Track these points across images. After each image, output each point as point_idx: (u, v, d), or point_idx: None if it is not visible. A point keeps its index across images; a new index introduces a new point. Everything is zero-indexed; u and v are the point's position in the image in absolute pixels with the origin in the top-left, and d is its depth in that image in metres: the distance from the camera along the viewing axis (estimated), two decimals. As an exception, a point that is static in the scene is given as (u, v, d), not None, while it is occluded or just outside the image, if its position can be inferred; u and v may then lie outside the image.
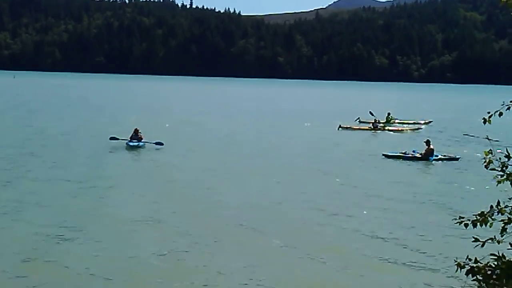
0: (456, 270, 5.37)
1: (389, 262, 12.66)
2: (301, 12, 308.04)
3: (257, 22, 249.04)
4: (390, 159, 27.98)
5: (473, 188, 21.07)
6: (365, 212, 17.07)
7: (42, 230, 14.59)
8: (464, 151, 30.65)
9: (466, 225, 5.54)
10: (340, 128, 42.44)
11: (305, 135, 39.76)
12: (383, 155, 28.66)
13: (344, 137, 38.26)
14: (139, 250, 13.45)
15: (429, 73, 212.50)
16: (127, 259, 12.82)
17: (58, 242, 13.86)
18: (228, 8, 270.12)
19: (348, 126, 43.24)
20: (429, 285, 11.01)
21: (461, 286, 4.98)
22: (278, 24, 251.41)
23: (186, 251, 13.33)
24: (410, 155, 28.08)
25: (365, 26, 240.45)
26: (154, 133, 31.69)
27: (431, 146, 27.95)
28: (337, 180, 22.55)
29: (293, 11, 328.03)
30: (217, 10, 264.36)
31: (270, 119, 50.19)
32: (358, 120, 46.14)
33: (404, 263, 12.48)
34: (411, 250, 13.51)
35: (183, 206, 17.59)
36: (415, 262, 12.51)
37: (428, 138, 29.42)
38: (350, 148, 32.05)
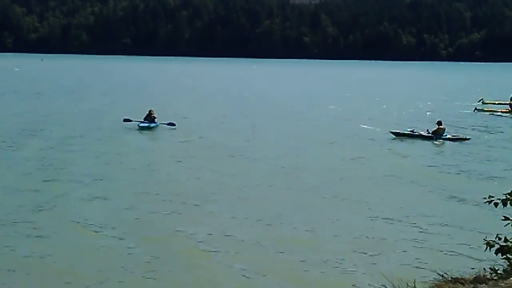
0: (485, 249, 5.26)
1: (417, 243, 12.41)
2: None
3: (282, 2, 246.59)
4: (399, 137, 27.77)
5: (489, 166, 20.91)
6: (388, 192, 16.91)
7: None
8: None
9: (496, 204, 5.52)
10: (476, 111, 41.43)
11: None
12: (391, 132, 28.43)
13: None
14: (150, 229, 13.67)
15: (457, 52, 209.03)
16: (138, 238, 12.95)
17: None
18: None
19: (487, 109, 41.70)
20: (458, 265, 10.97)
21: (490, 266, 5.02)
22: (304, 4, 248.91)
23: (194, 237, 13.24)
24: (418, 133, 27.98)
25: (392, 5, 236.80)
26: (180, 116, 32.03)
27: (442, 126, 27.88)
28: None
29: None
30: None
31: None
32: (481, 101, 44.77)
33: (432, 244, 12.25)
34: (438, 230, 13.25)
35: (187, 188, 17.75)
36: (443, 243, 12.25)
37: (439, 119, 29.17)
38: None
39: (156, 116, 30.49)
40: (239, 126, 32.85)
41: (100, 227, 13.51)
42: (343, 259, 11.34)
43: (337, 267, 10.92)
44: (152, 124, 29.99)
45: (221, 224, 13.67)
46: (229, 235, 12.89)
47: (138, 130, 29.33)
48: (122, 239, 12.71)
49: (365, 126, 32.68)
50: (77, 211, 14.67)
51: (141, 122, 29.94)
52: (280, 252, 11.89)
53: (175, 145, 25.91)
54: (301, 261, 11.39)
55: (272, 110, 41.30)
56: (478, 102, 44.16)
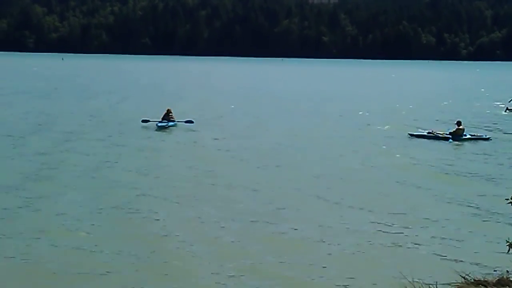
0: (508, 251, 5.15)
1: (438, 245, 12.25)
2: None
3: (301, 2, 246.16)
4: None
5: (504, 169, 20.64)
6: (412, 192, 16.82)
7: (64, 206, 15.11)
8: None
9: None
10: (508, 111, 40.68)
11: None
12: (409, 134, 28.24)
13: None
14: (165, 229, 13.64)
15: (477, 51, 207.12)
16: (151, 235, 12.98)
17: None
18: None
19: None
20: (480, 267, 10.86)
21: (508, 269, 4.94)
22: (322, 3, 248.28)
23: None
24: (436, 134, 27.71)
25: (411, 3, 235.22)
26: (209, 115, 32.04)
27: (461, 126, 27.61)
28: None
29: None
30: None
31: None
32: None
33: (453, 246, 12.14)
34: (459, 232, 13.11)
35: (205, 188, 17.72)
36: (464, 246, 12.13)
37: (459, 119, 28.89)
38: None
39: (173, 115, 30.54)
40: (256, 124, 32.81)
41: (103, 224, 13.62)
42: (364, 260, 11.28)
43: (358, 267, 10.85)
44: (170, 123, 30.03)
45: (236, 223, 13.66)
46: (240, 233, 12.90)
47: (156, 130, 29.36)
48: (116, 238, 12.83)
49: (383, 127, 32.50)
50: (77, 210, 14.79)
51: (159, 121, 29.98)
52: (296, 254, 11.83)
53: (191, 143, 25.94)
54: (319, 264, 11.30)
55: (287, 109, 41.23)
56: (510, 101, 43.38)
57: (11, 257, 11.45)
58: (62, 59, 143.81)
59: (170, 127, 29.88)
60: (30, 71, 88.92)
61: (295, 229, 13.30)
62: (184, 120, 30.24)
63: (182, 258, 11.52)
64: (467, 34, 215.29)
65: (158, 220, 14.03)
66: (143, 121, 30.50)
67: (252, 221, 14.00)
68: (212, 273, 10.71)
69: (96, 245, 12.19)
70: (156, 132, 29.11)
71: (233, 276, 10.56)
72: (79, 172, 19.56)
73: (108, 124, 31.99)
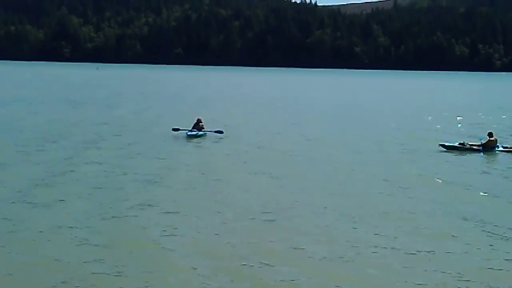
0: None
1: (467, 258, 11.97)
2: (379, 1, 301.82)
3: (334, 12, 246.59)
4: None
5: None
6: (437, 203, 16.50)
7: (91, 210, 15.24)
8: None
9: None
10: None
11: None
12: (440, 145, 27.73)
13: None
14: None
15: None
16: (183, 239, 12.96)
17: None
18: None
19: None
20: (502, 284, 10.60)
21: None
22: (355, 14, 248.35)
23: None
24: (468, 146, 27.21)
25: (446, 14, 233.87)
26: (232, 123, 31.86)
27: (493, 138, 27.12)
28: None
29: (370, 0, 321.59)
30: (293, 1, 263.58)
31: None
32: None
33: (481, 259, 11.75)
34: (488, 245, 12.75)
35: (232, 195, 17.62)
36: (492, 260, 11.75)
37: (490, 131, 28.38)
38: None
39: (204, 125, 30.58)
40: (287, 135, 32.73)
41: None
42: (387, 270, 11.17)
43: (382, 278, 10.78)
44: (200, 132, 29.97)
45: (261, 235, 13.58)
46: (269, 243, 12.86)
47: (186, 138, 29.40)
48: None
49: (415, 137, 32.15)
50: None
51: (190, 130, 29.97)
52: (319, 260, 11.86)
53: (220, 153, 25.94)
54: (343, 271, 11.24)
55: (319, 119, 41.09)
56: None
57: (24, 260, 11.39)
58: (97, 68, 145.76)
59: (200, 137, 29.86)
60: (66, 80, 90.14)
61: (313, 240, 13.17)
62: (214, 130, 30.22)
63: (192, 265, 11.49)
64: (501, 45, 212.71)
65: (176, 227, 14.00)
66: (174, 129, 30.48)
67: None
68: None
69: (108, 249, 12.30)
70: (186, 141, 29.12)
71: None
72: (106, 177, 19.73)
73: (140, 133, 32.13)
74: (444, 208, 16.46)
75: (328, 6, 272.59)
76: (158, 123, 35.77)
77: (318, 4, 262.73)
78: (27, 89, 65.98)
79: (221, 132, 30.04)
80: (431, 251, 12.45)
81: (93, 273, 10.93)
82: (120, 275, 10.86)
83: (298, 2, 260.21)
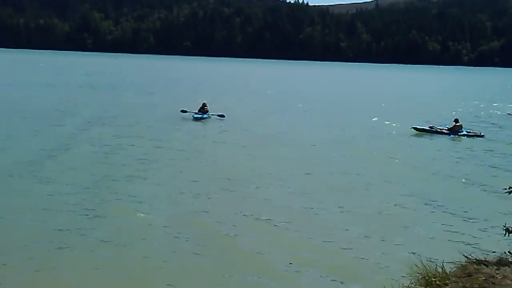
0: (504, 235, 5.06)
1: (442, 228, 11.87)
2: (363, 2, 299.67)
3: (323, 12, 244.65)
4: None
5: (502, 161, 20.24)
6: (408, 181, 16.41)
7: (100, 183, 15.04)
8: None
9: None
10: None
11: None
12: (413, 128, 27.71)
13: None
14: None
15: (478, 58, 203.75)
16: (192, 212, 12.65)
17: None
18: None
19: None
20: (480, 248, 10.51)
21: (508, 251, 4.83)
22: (341, 13, 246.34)
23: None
24: (436, 129, 27.20)
25: (420, 15, 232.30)
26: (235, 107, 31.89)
27: (459, 123, 27.10)
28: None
29: (355, 1, 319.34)
30: (287, 1, 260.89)
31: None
32: None
33: (456, 229, 11.79)
34: (460, 217, 12.76)
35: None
36: (466, 229, 11.75)
37: (456, 117, 28.38)
38: None
39: (208, 109, 30.60)
40: (279, 119, 32.65)
41: (142, 203, 13.36)
42: (372, 242, 11.06)
43: (367, 249, 10.59)
44: (205, 115, 30.06)
45: (253, 205, 13.46)
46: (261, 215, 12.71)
47: (192, 120, 29.45)
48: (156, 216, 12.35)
49: (390, 122, 32.10)
50: (122, 188, 14.62)
51: (196, 113, 30.05)
52: (315, 234, 11.58)
53: (221, 133, 25.93)
54: (326, 242, 10.96)
55: (307, 106, 41.01)
56: None
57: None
58: (115, 58, 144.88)
59: (205, 119, 29.89)
60: (88, 68, 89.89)
61: (313, 213, 13.11)
62: (217, 114, 30.28)
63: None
64: (469, 43, 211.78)
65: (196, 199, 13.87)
66: (182, 111, 30.62)
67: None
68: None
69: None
70: (192, 121, 29.17)
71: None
72: (128, 149, 19.80)
73: (152, 113, 32.21)
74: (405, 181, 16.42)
75: (318, 5, 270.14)
76: (168, 106, 35.77)
77: (310, 4, 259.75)
78: (52, 75, 65.67)
79: (223, 116, 30.06)
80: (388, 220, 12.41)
81: (84, 238, 10.76)
82: (109, 241, 10.68)
83: (292, 1, 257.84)
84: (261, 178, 16.13)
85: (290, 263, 9.62)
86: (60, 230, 11.09)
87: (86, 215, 12.08)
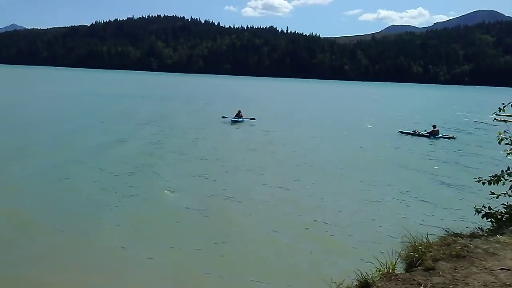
0: (474, 214, 4.90)
1: (422, 210, 11.40)
2: (362, 35, 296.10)
3: (331, 42, 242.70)
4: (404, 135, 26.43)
5: (470, 158, 19.73)
6: (394, 175, 16.01)
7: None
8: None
9: (483, 183, 5.05)
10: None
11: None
12: (399, 132, 27.16)
13: None
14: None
15: (452, 78, 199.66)
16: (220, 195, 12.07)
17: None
18: (312, 32, 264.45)
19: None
20: (456, 225, 9.96)
21: (477, 227, 4.71)
22: (346, 43, 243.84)
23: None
24: (418, 133, 26.56)
25: (407, 45, 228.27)
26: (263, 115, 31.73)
27: (436, 128, 26.49)
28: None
29: (356, 34, 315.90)
30: (304, 34, 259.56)
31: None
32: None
33: (434, 211, 11.34)
34: (438, 200, 12.30)
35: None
36: (443, 210, 11.31)
37: (434, 123, 27.74)
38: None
39: (243, 114, 30.65)
40: (298, 124, 32.36)
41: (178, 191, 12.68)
42: (363, 222, 10.57)
43: (358, 228, 10.09)
44: (240, 119, 30.16)
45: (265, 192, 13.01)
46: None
47: (230, 123, 29.64)
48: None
49: (382, 125, 31.53)
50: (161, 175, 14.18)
51: (233, 118, 30.23)
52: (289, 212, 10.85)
53: (252, 133, 25.79)
54: (315, 221, 10.28)
55: (319, 115, 40.61)
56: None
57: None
58: (174, 77, 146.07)
59: (240, 122, 30.03)
60: (154, 83, 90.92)
61: (310, 194, 12.80)
62: (249, 118, 30.35)
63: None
64: (445, 66, 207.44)
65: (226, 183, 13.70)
66: (223, 117, 30.81)
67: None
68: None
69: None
70: (231, 124, 29.35)
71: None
72: (180, 148, 19.73)
73: (200, 118, 32.42)
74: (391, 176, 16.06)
75: (327, 37, 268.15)
76: (212, 112, 35.92)
77: (321, 36, 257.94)
78: (127, 89, 66.57)
79: (253, 119, 30.10)
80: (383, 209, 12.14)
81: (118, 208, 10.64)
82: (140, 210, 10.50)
83: (307, 34, 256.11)
84: (273, 167, 16.07)
85: (311, 253, 8.80)
86: (103, 203, 11.15)
87: (120, 192, 12.02)
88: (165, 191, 12.11)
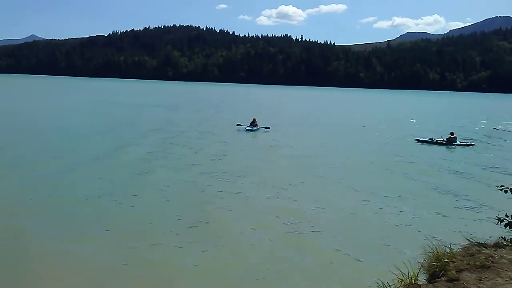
0: (497, 223, 4.78)
1: (445, 219, 11.14)
2: (378, 42, 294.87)
3: (346, 50, 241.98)
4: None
5: (490, 165, 19.34)
6: (413, 182, 15.77)
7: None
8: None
9: (505, 191, 4.88)
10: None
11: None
12: (416, 140, 26.91)
13: None
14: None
15: (469, 85, 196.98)
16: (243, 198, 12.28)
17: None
18: (326, 40, 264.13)
19: None
20: (478, 235, 9.85)
21: (501, 236, 4.57)
22: (360, 51, 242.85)
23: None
24: (435, 141, 26.23)
25: (423, 52, 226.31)
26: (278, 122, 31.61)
27: (454, 135, 26.14)
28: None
29: (371, 42, 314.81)
30: (319, 42, 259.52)
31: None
32: None
33: (457, 219, 11.06)
34: (459, 209, 12.02)
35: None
36: (466, 220, 11.02)
37: (452, 131, 27.37)
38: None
39: (257, 123, 30.52)
40: (312, 131, 32.19)
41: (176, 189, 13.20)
42: (382, 230, 10.35)
43: (378, 237, 9.88)
44: (255, 128, 30.00)
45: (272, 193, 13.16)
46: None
47: (245, 131, 29.52)
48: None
49: (400, 133, 31.16)
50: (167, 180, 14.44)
51: (248, 126, 30.07)
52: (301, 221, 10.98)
53: (266, 141, 25.70)
54: (335, 229, 10.23)
55: (336, 122, 40.33)
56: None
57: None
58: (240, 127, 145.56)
59: (254, 130, 29.88)
60: (169, 92, 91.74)
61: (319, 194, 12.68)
62: (263, 126, 30.24)
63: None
64: (462, 73, 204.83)
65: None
66: (238, 125, 30.71)
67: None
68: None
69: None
70: (245, 132, 29.25)
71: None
72: (193, 154, 19.83)
73: (215, 126, 32.45)
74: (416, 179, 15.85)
75: (342, 45, 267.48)
76: (227, 120, 35.97)
77: (336, 44, 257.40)
78: (142, 97, 67.34)
79: (268, 128, 29.98)
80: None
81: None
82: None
83: (322, 42, 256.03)
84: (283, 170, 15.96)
85: (331, 262, 8.65)
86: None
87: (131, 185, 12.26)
88: (166, 198, 12.22)
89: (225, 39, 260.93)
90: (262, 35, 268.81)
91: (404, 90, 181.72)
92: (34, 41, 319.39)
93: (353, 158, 20.54)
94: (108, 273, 7.41)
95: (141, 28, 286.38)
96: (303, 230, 9.99)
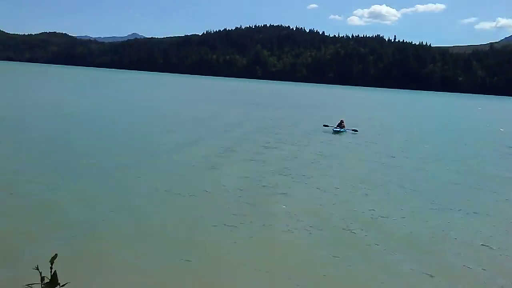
0: None
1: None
2: (479, 44, 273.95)
3: (443, 52, 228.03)
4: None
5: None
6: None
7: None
8: None
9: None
10: None
11: None
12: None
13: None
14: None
15: None
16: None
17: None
18: (422, 41, 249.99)
19: None
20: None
21: None
22: (459, 53, 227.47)
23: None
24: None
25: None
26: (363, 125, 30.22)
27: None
28: None
29: (471, 44, 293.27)
30: (413, 43, 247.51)
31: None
32: None
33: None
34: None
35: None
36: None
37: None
38: None
39: (345, 124, 29.58)
40: (405, 138, 30.32)
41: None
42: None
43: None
44: (342, 130, 29.02)
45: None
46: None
47: (332, 133, 28.60)
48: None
49: (484, 144, 28.25)
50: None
51: (335, 127, 29.17)
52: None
53: (352, 144, 24.59)
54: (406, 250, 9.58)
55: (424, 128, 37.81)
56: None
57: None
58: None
59: (341, 132, 28.88)
60: (257, 91, 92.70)
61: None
62: (351, 129, 29.19)
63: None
64: None
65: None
66: (324, 125, 29.96)
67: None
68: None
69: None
70: (331, 134, 28.33)
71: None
72: (277, 151, 19.61)
73: (303, 125, 31.92)
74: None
75: (439, 47, 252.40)
76: (316, 121, 35.09)
77: (432, 45, 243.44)
78: (232, 95, 68.64)
79: (356, 131, 28.89)
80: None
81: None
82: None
83: (416, 43, 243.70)
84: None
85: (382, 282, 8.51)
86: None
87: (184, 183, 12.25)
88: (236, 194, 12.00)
89: (315, 39, 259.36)
90: (352, 35, 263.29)
91: (510, 96, 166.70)
92: (136, 39, 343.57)
93: (442, 171, 17.94)
94: (171, 267, 7.50)
95: (233, 28, 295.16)
96: (359, 241, 9.16)
